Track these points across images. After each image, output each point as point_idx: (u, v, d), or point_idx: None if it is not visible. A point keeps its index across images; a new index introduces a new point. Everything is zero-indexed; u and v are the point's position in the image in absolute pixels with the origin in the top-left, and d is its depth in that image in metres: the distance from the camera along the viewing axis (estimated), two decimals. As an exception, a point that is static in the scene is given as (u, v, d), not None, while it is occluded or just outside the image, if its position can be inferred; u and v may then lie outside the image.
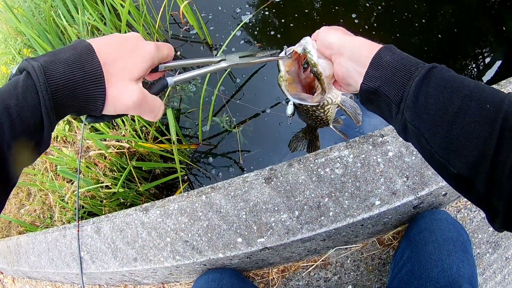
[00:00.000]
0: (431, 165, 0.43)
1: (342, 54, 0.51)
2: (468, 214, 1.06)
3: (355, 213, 0.84)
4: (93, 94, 0.41)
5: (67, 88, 0.39)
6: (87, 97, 0.41)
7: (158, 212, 1.00)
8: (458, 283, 0.75)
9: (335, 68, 0.53)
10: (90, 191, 1.47)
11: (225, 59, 0.57)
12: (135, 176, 1.43)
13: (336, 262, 0.94)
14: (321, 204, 0.85)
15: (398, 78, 0.43)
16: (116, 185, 1.35)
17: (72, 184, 1.56)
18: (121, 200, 1.50)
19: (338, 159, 0.87)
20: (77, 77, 0.39)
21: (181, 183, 1.47)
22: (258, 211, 0.88)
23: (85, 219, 1.23)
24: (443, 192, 0.92)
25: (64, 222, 1.61)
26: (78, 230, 1.04)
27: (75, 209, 1.32)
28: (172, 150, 1.33)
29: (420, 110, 0.40)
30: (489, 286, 1.02)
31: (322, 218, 0.84)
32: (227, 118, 1.59)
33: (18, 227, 2.14)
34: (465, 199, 1.04)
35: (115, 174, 1.48)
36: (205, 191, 0.96)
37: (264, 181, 0.89)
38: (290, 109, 0.76)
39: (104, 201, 1.52)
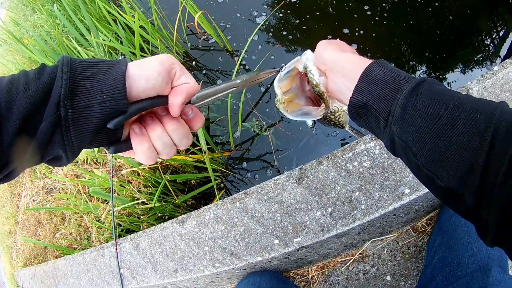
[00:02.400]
0: (418, 179, 0.42)
1: (334, 70, 0.51)
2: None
3: (386, 204, 0.85)
4: (113, 73, 0.41)
5: (88, 72, 0.40)
6: (107, 76, 0.40)
7: (194, 222, 1.04)
8: (488, 266, 0.75)
9: (328, 84, 0.53)
10: (126, 209, 1.51)
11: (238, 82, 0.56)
12: (170, 189, 1.46)
13: (373, 254, 0.96)
14: (352, 198, 0.87)
15: (387, 91, 0.42)
16: (152, 200, 1.39)
17: (107, 204, 1.60)
18: (159, 214, 1.53)
19: (365, 152, 0.89)
20: (100, 67, 0.41)
21: (216, 191, 1.49)
22: (292, 211, 0.91)
23: (123, 236, 1.28)
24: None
25: (102, 242, 1.65)
26: (116, 248, 1.07)
27: (112, 227, 1.36)
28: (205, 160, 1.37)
29: (408, 123, 0.39)
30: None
31: (355, 212, 0.86)
32: (257, 122, 1.61)
33: (54, 251, 2.17)
34: None
35: (150, 189, 1.52)
36: (238, 197, 0.99)
37: (295, 181, 0.92)
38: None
39: (141, 217, 1.56)
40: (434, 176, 0.37)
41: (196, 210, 1.07)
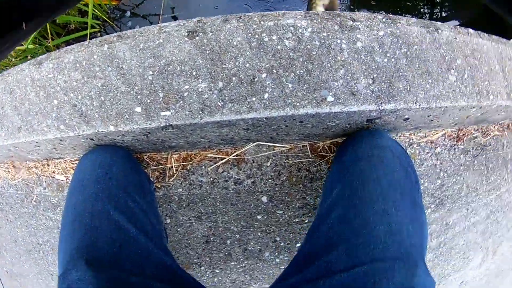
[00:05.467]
0: None
1: None
2: (420, 153, 0.91)
3: (298, 104, 0.63)
4: None
5: None
6: None
7: (51, 65, 0.72)
8: (413, 258, 0.52)
9: None
10: None
11: None
12: (48, 30, 1.13)
13: (253, 162, 0.74)
14: (256, 79, 0.63)
15: None
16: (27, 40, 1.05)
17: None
18: (29, 57, 1.21)
19: (292, 28, 0.64)
20: None
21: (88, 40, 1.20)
22: (170, 72, 0.64)
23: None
24: (406, 116, 0.74)
25: None
26: None
27: None
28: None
29: None
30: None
31: (253, 99, 0.63)
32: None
33: None
34: (422, 134, 0.88)
35: None
36: (109, 39, 0.69)
37: (186, 34, 0.64)
38: None
39: (13, 59, 1.21)
40: None
41: (57, 50, 0.76)
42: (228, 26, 0.64)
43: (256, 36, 0.63)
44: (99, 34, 1.30)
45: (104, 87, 0.67)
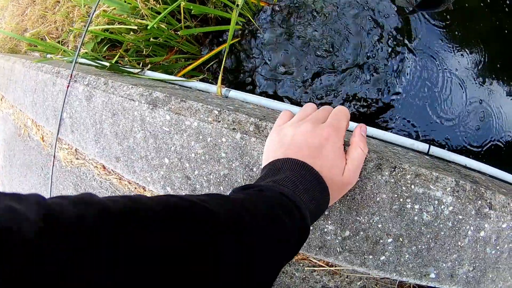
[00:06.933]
0: None
1: None
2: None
3: (404, 273, 0.63)
4: None
5: None
6: None
7: (168, 117, 0.67)
8: None
9: None
10: (114, 20, 1.01)
11: None
12: (182, 15, 1.02)
13: (347, 277, 0.74)
14: (381, 241, 0.61)
15: None
16: (155, 18, 0.91)
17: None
18: (152, 38, 1.08)
19: (436, 202, 0.62)
20: None
21: (230, 38, 1.05)
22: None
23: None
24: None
25: (76, 47, 1.25)
26: (68, 86, 0.65)
27: (76, 52, 0.84)
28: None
29: None
30: None
31: (370, 257, 0.62)
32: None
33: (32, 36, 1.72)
34: None
35: (158, 6, 1.01)
36: (246, 128, 0.62)
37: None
38: None
39: (130, 33, 1.06)
40: None
41: (179, 99, 0.68)
42: (379, 177, 0.60)
43: (401, 200, 0.61)
44: (240, 32, 1.14)
45: (227, 179, 0.62)
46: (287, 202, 0.42)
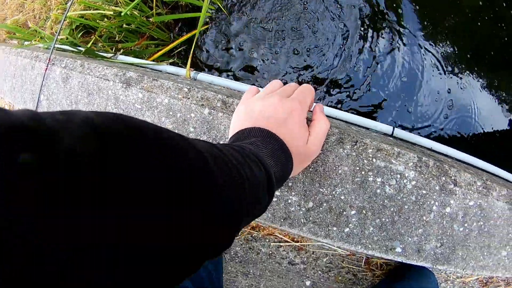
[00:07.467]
0: None
1: None
2: None
3: (369, 246, 0.65)
4: None
5: None
6: None
7: (140, 95, 0.69)
8: None
9: None
10: (88, 6, 1.06)
11: None
12: (154, 2, 1.06)
13: (313, 253, 0.77)
14: (344, 213, 0.63)
15: None
16: (128, 5, 0.96)
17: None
18: (124, 24, 1.12)
19: (398, 176, 0.64)
20: None
21: (200, 24, 1.08)
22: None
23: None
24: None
25: (53, 33, 1.27)
26: (46, 69, 0.70)
27: (57, 33, 0.90)
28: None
29: None
30: None
31: (334, 229, 0.64)
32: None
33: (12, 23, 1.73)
34: (459, 274, 0.93)
35: None
36: (215, 106, 0.65)
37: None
38: None
39: (104, 19, 1.11)
40: None
41: (152, 78, 0.71)
42: (341, 150, 0.62)
43: (363, 173, 0.63)
44: (208, 19, 1.17)
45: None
46: (254, 158, 0.43)
